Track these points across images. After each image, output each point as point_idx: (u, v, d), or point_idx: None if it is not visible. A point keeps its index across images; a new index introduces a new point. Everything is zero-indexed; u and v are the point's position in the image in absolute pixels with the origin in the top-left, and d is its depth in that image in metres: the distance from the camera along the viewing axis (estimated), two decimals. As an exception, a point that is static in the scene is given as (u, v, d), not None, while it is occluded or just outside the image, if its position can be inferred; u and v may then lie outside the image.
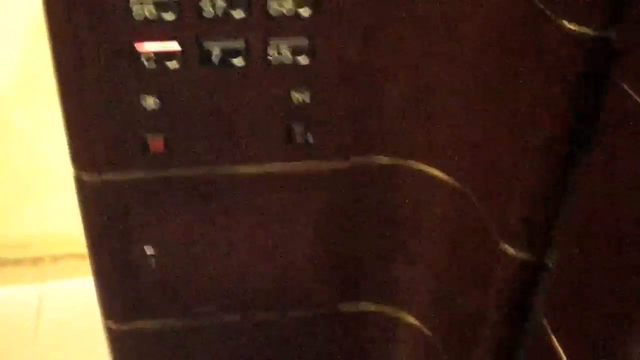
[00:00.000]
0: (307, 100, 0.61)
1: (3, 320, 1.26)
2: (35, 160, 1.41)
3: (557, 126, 0.51)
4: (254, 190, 0.66)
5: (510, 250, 0.57)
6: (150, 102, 0.60)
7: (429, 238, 0.68)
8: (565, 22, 0.47)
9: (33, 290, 1.31)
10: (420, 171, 0.65)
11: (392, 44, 0.59)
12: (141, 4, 0.55)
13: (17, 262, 1.37)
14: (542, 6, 0.49)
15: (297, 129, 0.63)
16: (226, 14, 0.56)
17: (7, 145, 1.42)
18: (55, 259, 1.39)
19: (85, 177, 0.63)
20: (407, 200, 0.67)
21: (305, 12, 0.57)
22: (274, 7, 0.57)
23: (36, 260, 1.37)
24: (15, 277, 1.34)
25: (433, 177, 0.65)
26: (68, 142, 0.62)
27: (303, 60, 0.59)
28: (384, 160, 0.66)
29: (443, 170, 0.64)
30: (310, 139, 0.64)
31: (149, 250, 0.68)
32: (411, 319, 0.73)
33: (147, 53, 0.58)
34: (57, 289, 1.32)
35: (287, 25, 0.58)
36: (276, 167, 0.65)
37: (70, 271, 1.37)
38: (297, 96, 0.61)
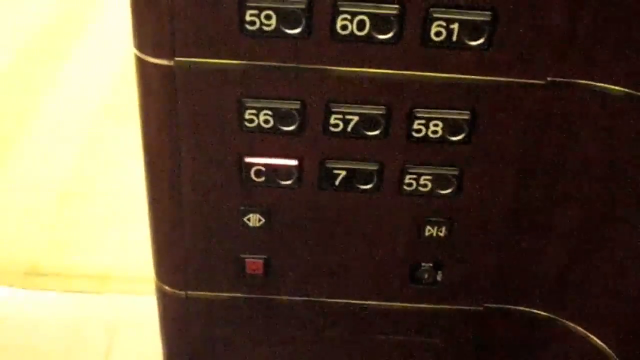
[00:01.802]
0: (442, 234, 0.50)
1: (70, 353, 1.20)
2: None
3: None
4: (358, 328, 0.55)
5: None
6: (255, 219, 0.50)
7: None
8: None
9: (106, 324, 1.24)
10: (570, 332, 0.53)
11: (556, 189, 0.48)
12: (255, 110, 0.45)
13: (91, 294, 1.30)
14: None
15: (426, 266, 0.52)
16: (358, 132, 0.46)
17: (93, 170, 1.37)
18: (129, 293, 1.31)
19: (169, 291, 0.54)
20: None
21: (456, 137, 0.46)
22: (418, 129, 0.46)
23: (112, 295, 1.31)
24: (87, 310, 1.27)
25: (585, 341, 0.53)
26: (153, 255, 0.52)
27: (445, 191, 0.48)
28: (525, 312, 0.54)
29: (600, 338, 0.52)
30: (439, 278, 0.52)
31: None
32: None
33: (258, 167, 0.47)
34: (130, 326, 1.25)
35: (431, 151, 0.46)
36: (392, 306, 0.54)
37: (145, 308, 1.30)
38: (432, 230, 0.50)
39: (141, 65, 0.44)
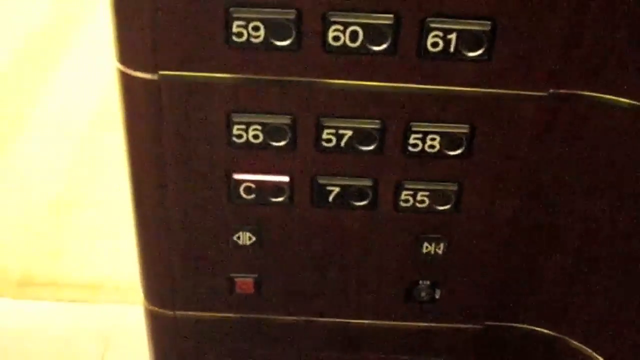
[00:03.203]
0: (441, 252, 0.48)
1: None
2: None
3: None
4: (354, 347, 0.53)
5: None
6: (245, 238, 0.48)
7: None
8: None
9: (99, 334, 1.22)
10: (573, 350, 0.51)
11: (558, 204, 0.46)
12: (244, 125, 0.43)
13: (84, 304, 1.28)
14: None
15: (423, 284, 0.50)
16: (351, 147, 0.44)
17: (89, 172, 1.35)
18: (123, 302, 1.29)
19: (157, 311, 0.52)
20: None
21: (454, 152, 0.44)
22: (414, 143, 0.44)
23: (105, 305, 1.29)
24: (80, 320, 1.25)
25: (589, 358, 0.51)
26: (141, 274, 0.51)
27: (443, 207, 0.46)
28: (528, 330, 0.52)
29: (604, 356, 0.50)
30: (437, 296, 0.50)
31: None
32: None
33: (247, 183, 0.45)
34: (123, 335, 1.23)
35: (429, 166, 0.45)
36: (389, 325, 0.52)
37: (139, 318, 1.27)
38: (430, 247, 0.48)
39: (125, 79, 0.42)
